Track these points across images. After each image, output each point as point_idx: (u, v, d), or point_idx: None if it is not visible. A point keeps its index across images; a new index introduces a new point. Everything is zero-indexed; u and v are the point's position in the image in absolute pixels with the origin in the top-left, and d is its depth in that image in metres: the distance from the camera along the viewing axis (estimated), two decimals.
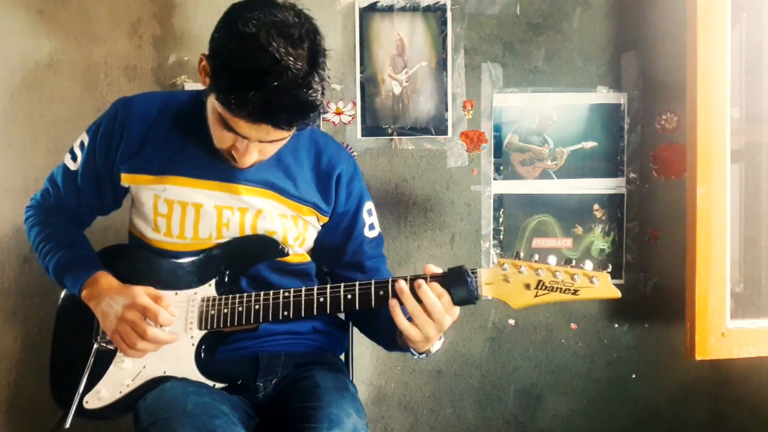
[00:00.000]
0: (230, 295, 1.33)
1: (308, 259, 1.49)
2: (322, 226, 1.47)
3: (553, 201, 2.06)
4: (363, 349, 2.02)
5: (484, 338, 2.08)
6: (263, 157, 1.31)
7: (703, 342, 1.73)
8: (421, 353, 1.28)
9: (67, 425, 1.30)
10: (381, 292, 1.23)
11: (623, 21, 2.04)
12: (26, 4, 1.96)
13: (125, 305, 1.28)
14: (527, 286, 1.17)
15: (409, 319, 1.21)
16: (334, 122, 2.02)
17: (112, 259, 1.41)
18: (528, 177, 2.06)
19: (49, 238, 1.43)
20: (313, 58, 1.18)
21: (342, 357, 1.60)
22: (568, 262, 1.16)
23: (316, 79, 1.18)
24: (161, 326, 1.29)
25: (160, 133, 1.38)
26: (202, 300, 1.34)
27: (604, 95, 2.05)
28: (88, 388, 1.33)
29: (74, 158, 1.44)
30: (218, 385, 1.31)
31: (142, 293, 1.29)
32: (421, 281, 1.19)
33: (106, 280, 1.34)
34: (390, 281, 1.22)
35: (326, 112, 1.24)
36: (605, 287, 1.15)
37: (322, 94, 1.21)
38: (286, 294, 1.28)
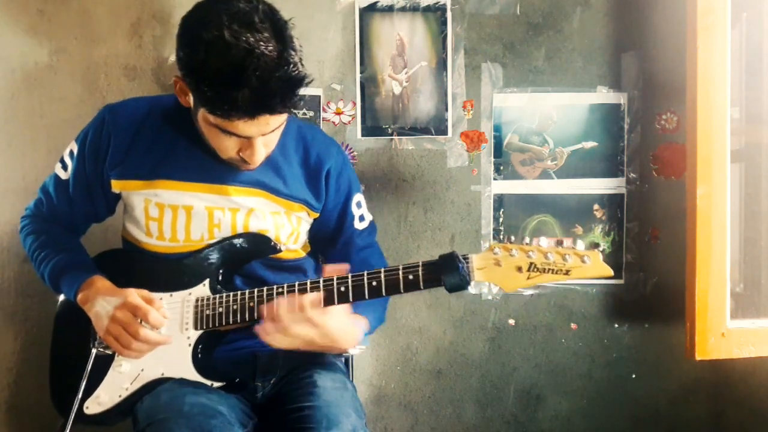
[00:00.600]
0: (224, 294, 1.33)
1: (302, 255, 1.50)
2: (313, 221, 1.48)
3: (553, 201, 2.06)
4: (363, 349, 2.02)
5: (484, 338, 2.08)
6: (270, 149, 1.31)
7: (703, 342, 1.73)
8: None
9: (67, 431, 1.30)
10: (375, 282, 1.23)
11: (623, 21, 2.04)
12: (26, 4, 1.96)
13: (116, 306, 1.29)
14: (519, 269, 1.17)
15: None
16: (334, 122, 2.02)
17: (107, 264, 1.41)
18: (528, 177, 2.06)
19: (44, 246, 1.43)
20: (279, 34, 1.18)
21: (342, 357, 1.59)
22: (559, 243, 1.16)
23: (291, 52, 1.18)
24: (153, 327, 1.29)
25: (148, 138, 1.38)
26: (197, 300, 1.34)
27: (604, 95, 2.05)
28: (88, 393, 1.33)
29: (65, 167, 1.45)
30: (216, 385, 1.32)
31: (134, 294, 1.30)
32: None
33: (101, 283, 1.34)
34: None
35: (312, 81, 1.24)
36: (597, 265, 1.14)
37: (302, 64, 1.20)
38: (279, 290, 1.29)
